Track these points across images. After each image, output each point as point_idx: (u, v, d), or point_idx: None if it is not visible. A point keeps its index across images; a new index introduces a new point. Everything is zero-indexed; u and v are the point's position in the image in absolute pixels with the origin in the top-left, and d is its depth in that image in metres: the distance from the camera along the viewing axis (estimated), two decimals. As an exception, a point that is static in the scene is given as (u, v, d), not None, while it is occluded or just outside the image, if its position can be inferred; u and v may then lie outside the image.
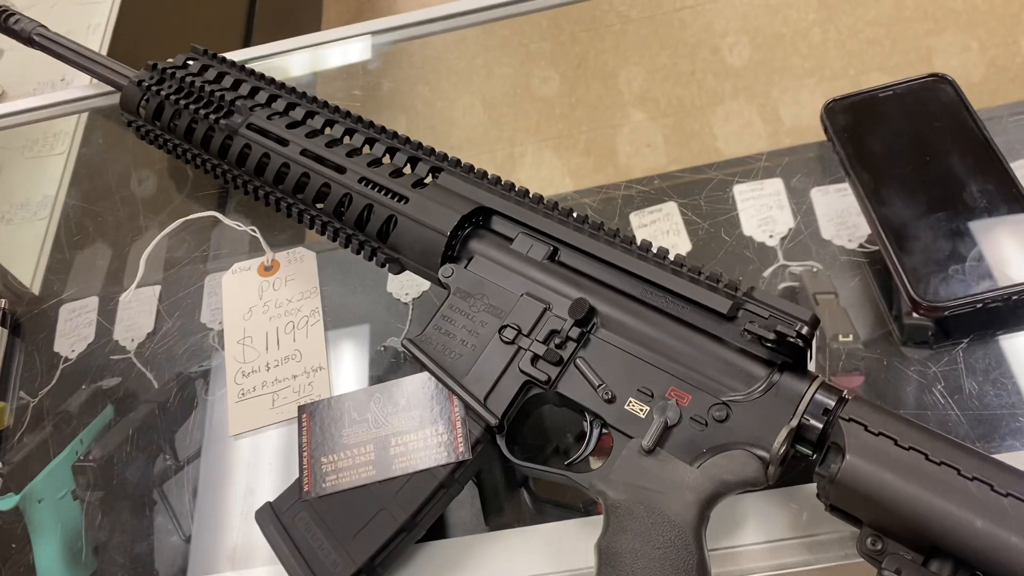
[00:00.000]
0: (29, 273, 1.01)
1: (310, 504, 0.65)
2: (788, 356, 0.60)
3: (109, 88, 1.01)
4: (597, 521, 0.65)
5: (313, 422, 0.69)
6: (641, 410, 0.62)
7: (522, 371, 0.65)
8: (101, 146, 1.12)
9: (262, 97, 0.85)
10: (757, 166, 0.87)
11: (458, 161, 0.76)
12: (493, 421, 0.63)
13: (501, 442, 0.65)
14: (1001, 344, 0.69)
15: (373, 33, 1.12)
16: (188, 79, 0.87)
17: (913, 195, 0.71)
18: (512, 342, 0.66)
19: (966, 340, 0.69)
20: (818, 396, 0.59)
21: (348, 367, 0.82)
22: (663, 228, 0.87)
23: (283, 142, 0.80)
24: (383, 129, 0.80)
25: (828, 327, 0.74)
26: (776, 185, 0.85)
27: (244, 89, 0.86)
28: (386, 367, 0.82)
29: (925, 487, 0.53)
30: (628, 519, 0.58)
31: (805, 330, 0.59)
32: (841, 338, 0.74)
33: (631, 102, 0.98)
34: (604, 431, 0.64)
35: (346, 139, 0.80)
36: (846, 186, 0.82)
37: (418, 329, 0.82)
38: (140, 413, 0.85)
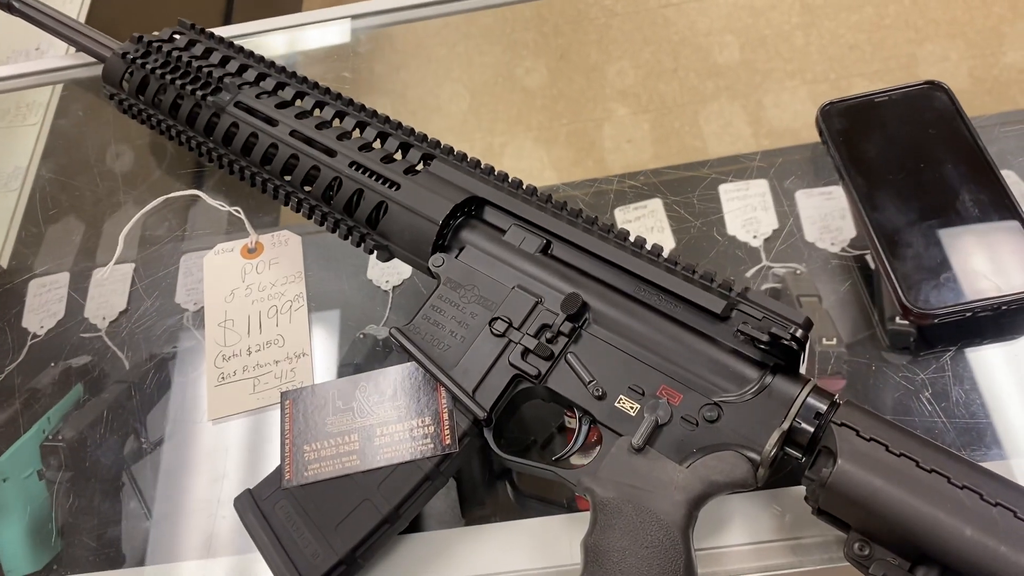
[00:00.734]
0: (-2, 246, 0.99)
1: (291, 493, 0.64)
2: (781, 358, 0.60)
3: (88, 59, 0.99)
4: (582, 517, 0.65)
5: (296, 409, 0.67)
6: (631, 408, 0.61)
7: (512, 364, 0.64)
8: (78, 118, 1.09)
9: (251, 75, 0.83)
10: (744, 166, 0.87)
11: (451, 149, 0.75)
12: (481, 414, 0.63)
13: (489, 436, 0.64)
14: (988, 353, 0.69)
15: (353, 17, 1.10)
16: (175, 53, 0.85)
17: (906, 201, 0.71)
18: (502, 335, 0.65)
19: (954, 348, 0.70)
20: (810, 400, 0.59)
21: (326, 353, 0.81)
22: (648, 225, 0.86)
23: (272, 122, 0.79)
24: (375, 113, 0.78)
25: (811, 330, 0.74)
26: (761, 186, 0.85)
27: (232, 66, 0.84)
28: (366, 354, 0.81)
29: (915, 494, 0.53)
30: (616, 517, 0.58)
31: (799, 333, 0.59)
32: (824, 341, 0.74)
33: (613, 96, 0.98)
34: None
35: (336, 122, 0.79)
36: (830, 189, 0.83)
37: (398, 317, 0.82)
38: (111, 393, 0.83)
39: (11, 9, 0.99)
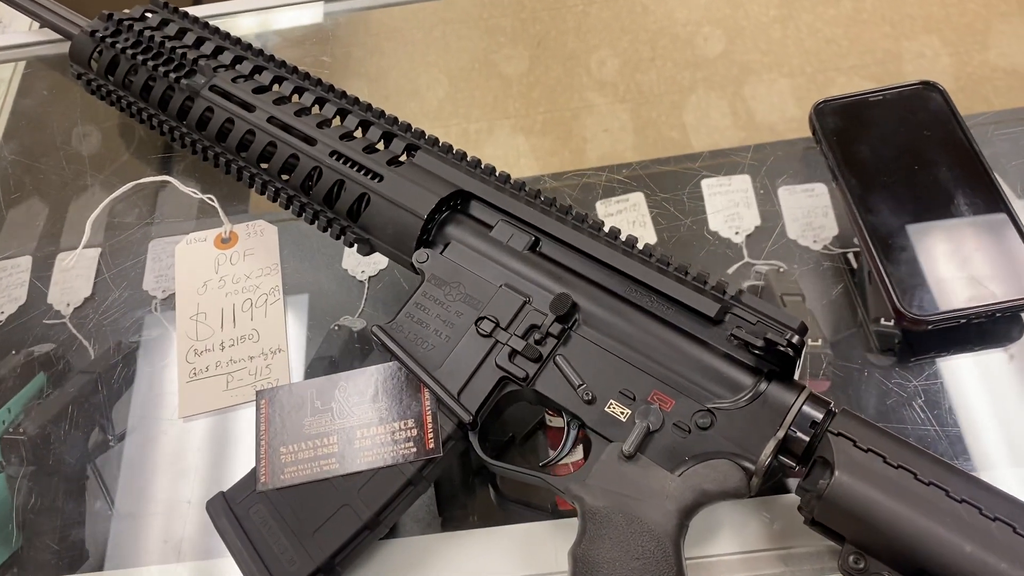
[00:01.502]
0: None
1: (267, 496, 0.62)
2: (775, 364, 0.58)
3: (54, 36, 0.94)
4: (568, 524, 0.64)
5: (272, 409, 0.65)
6: (622, 413, 0.59)
7: (499, 366, 0.62)
8: (42, 98, 1.05)
9: (226, 58, 0.80)
10: (725, 162, 0.86)
11: (436, 140, 0.72)
12: (467, 418, 0.60)
13: (474, 439, 0.62)
14: (982, 360, 0.68)
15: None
16: (147, 33, 0.81)
17: (901, 204, 0.70)
18: (489, 335, 0.63)
19: (947, 354, 0.69)
20: (805, 408, 0.57)
21: (299, 346, 0.78)
22: (629, 219, 0.84)
23: (249, 107, 0.76)
24: (356, 100, 0.75)
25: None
26: (744, 182, 0.84)
27: (207, 48, 0.81)
28: (341, 348, 0.79)
29: (914, 507, 0.52)
30: (606, 527, 0.56)
31: (795, 339, 0.57)
32: (810, 342, 0.73)
33: (590, 85, 0.96)
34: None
35: (316, 108, 0.76)
36: (813, 186, 0.82)
37: (374, 309, 0.80)
38: (75, 384, 0.80)
39: (-28, -19, 0.95)
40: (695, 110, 0.92)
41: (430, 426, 0.62)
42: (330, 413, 0.64)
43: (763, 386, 0.58)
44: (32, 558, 0.71)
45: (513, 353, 0.62)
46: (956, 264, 0.67)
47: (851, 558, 0.54)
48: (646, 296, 0.63)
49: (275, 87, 0.78)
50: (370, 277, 0.82)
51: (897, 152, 0.73)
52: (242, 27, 1.08)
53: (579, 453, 0.69)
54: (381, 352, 0.65)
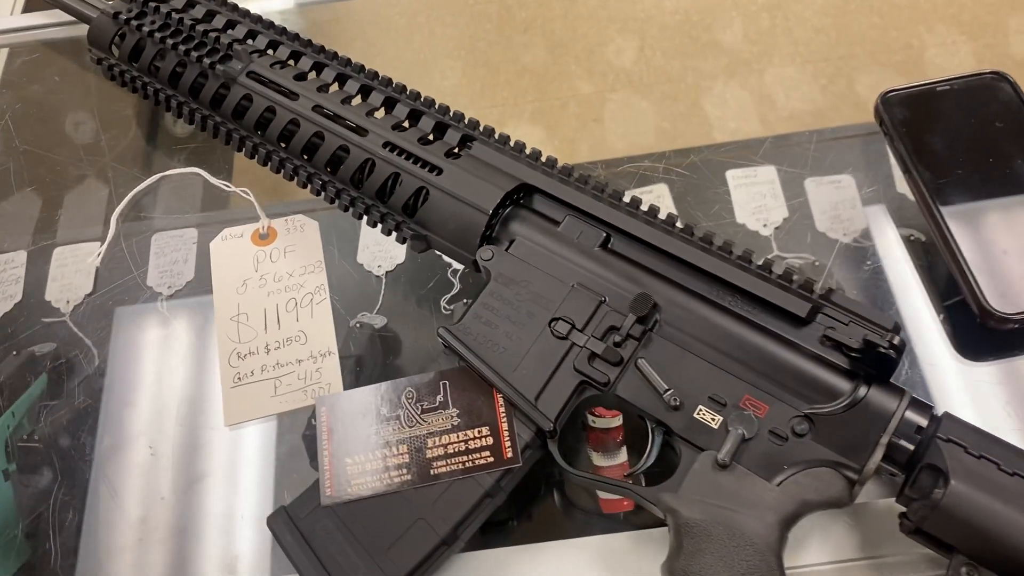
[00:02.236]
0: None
1: (333, 511, 0.58)
2: (872, 367, 0.56)
3: (66, 18, 0.89)
4: (649, 536, 0.61)
5: (334, 417, 0.61)
6: (712, 420, 0.56)
7: (577, 370, 0.59)
8: (24, 85, 0.99)
9: (261, 42, 0.75)
10: (742, 153, 0.84)
11: (491, 130, 0.69)
12: (547, 425, 0.57)
13: (554, 448, 0.59)
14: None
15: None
16: (175, 15, 0.76)
17: (979, 197, 0.68)
18: (565, 337, 0.60)
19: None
20: (908, 413, 0.55)
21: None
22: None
23: (291, 95, 0.71)
24: (403, 88, 0.71)
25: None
26: (769, 173, 0.82)
27: (239, 31, 0.76)
28: (365, 345, 0.75)
29: (1034, 517, 0.49)
30: (706, 541, 0.53)
31: (896, 340, 0.55)
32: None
33: (578, 74, 0.95)
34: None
35: (359, 98, 0.72)
36: (840, 178, 0.80)
37: (392, 305, 0.76)
38: (82, 385, 0.75)
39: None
40: (685, 99, 0.91)
41: (506, 434, 0.58)
42: (397, 421, 0.60)
43: (863, 391, 0.55)
44: (42, 564, 0.66)
45: (592, 356, 0.59)
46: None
47: (963, 569, 0.51)
48: (729, 295, 0.60)
49: (311, 75, 0.73)
50: (387, 272, 0.79)
51: (970, 144, 0.71)
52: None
53: (624, 455, 0.66)
54: (448, 356, 0.62)
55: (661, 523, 0.59)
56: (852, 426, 0.55)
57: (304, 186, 0.72)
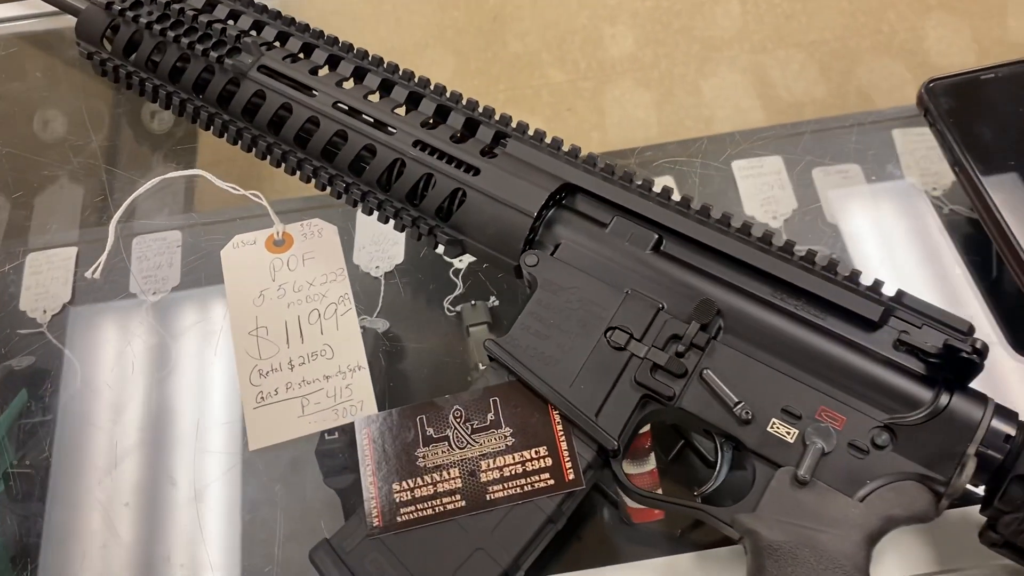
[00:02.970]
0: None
1: (382, 542, 0.54)
2: (950, 373, 0.53)
3: (46, 8, 0.82)
4: (718, 556, 0.58)
5: (377, 440, 0.57)
6: (788, 433, 0.53)
7: (639, 383, 0.55)
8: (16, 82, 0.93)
9: (269, 33, 0.70)
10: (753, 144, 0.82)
11: (525, 127, 0.65)
12: (611, 444, 0.53)
13: (618, 468, 0.55)
14: None
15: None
16: (174, 5, 0.71)
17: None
18: (623, 348, 0.56)
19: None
20: (994, 422, 0.52)
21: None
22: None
23: (308, 90, 0.66)
24: (427, 82, 0.67)
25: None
26: (776, 163, 0.79)
27: (245, 22, 0.71)
28: (371, 351, 0.70)
29: None
30: (791, 563, 0.50)
31: (979, 343, 0.52)
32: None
33: (549, 62, 0.92)
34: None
35: (379, 93, 0.67)
36: (847, 167, 0.78)
37: (392, 308, 0.73)
38: (67, 400, 0.71)
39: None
40: (659, 86, 0.89)
41: (566, 454, 0.55)
42: (446, 442, 0.56)
43: (945, 398, 0.52)
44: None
45: (654, 367, 0.55)
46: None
47: (1060, 585, 0.49)
48: (793, 299, 0.56)
49: (333, 68, 0.68)
50: (385, 273, 0.75)
51: (1022, 132, 0.68)
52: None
53: (652, 462, 0.63)
54: (496, 371, 0.58)
55: (726, 541, 0.56)
56: (936, 436, 0.52)
57: (322, 188, 0.67)
